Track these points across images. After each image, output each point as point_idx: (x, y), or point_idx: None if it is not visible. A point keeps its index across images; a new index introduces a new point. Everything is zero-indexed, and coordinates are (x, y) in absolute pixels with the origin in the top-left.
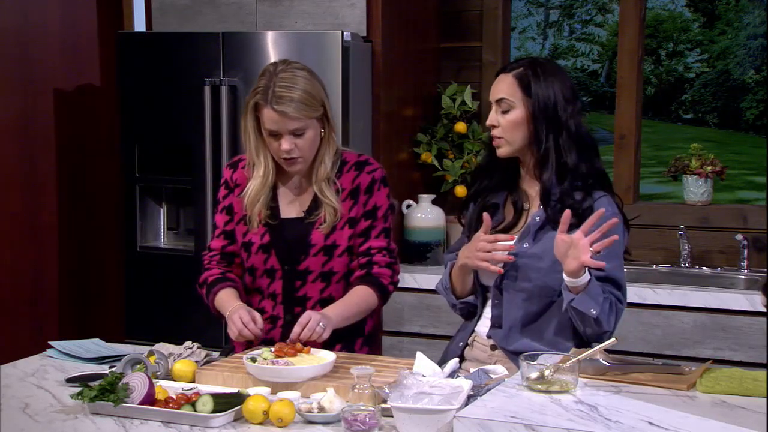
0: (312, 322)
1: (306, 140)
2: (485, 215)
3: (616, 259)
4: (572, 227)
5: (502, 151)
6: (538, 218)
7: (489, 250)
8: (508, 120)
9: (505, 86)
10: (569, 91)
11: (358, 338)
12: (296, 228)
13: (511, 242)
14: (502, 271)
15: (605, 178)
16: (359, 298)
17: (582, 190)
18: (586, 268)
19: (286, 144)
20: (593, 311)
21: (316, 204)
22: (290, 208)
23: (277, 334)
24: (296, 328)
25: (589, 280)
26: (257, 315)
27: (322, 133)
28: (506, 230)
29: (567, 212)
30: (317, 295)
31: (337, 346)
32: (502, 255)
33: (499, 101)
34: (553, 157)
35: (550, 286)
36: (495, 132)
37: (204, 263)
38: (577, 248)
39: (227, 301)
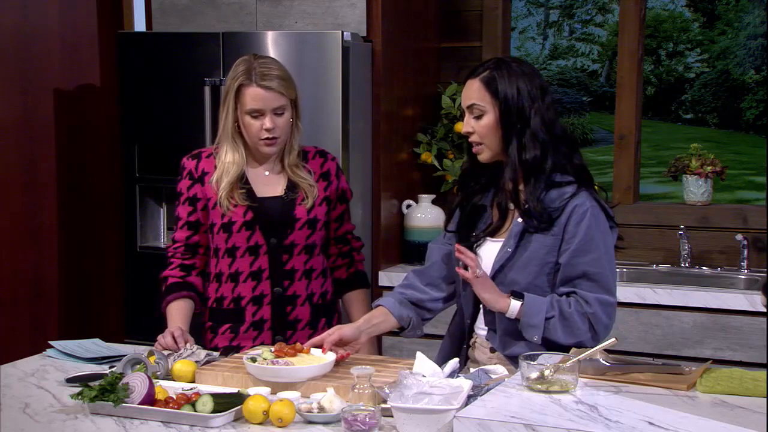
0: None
1: (284, 120)
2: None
3: (589, 253)
4: (545, 229)
5: (483, 157)
6: (519, 220)
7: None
8: (481, 126)
9: (473, 92)
10: (535, 88)
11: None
12: (278, 205)
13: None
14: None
15: (584, 174)
16: (365, 306)
17: (557, 187)
18: (509, 300)
19: (268, 122)
20: (536, 338)
21: (293, 184)
22: (267, 190)
23: (266, 312)
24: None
25: (522, 307)
26: (185, 339)
27: (291, 121)
28: (493, 232)
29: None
30: (302, 267)
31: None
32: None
33: (470, 107)
34: (515, 155)
35: (540, 287)
36: (472, 138)
37: (168, 256)
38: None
39: (173, 318)
